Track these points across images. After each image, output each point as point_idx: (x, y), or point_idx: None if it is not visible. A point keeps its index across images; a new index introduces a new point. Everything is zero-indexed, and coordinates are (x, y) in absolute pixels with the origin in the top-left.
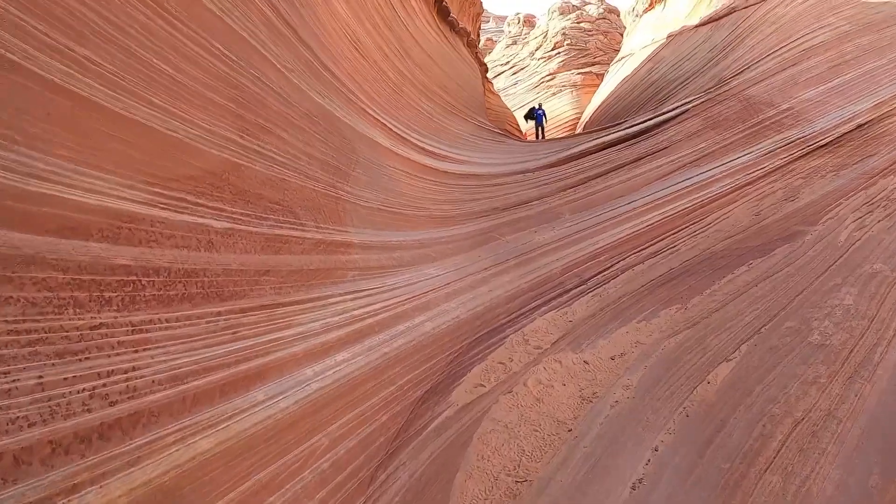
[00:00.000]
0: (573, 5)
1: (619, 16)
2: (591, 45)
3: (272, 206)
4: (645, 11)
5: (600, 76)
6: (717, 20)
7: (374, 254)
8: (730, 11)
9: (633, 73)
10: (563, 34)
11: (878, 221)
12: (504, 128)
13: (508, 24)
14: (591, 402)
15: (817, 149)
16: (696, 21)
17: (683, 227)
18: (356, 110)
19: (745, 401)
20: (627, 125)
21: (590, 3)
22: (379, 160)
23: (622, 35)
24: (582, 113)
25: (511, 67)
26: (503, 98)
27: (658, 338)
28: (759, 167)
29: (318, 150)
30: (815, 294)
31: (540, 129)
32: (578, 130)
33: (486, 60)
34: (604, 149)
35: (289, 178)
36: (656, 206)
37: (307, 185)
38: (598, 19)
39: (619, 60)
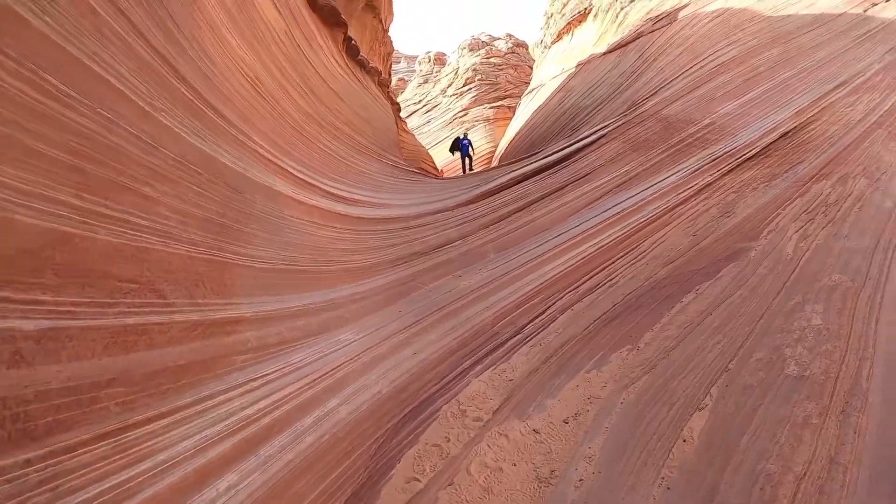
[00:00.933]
0: (482, 41)
1: (527, 49)
2: (502, 79)
3: (124, 285)
4: (553, 43)
5: (512, 109)
6: (624, 46)
7: (272, 327)
8: (636, 36)
9: (546, 104)
10: (474, 70)
11: (822, 228)
12: (420, 166)
13: (419, 63)
14: (550, 483)
15: (745, 161)
16: (603, 49)
17: (619, 256)
18: (250, 154)
19: (732, 459)
20: (545, 154)
21: (498, 39)
22: (279, 211)
23: (531, 68)
24: (497, 146)
25: (424, 105)
26: (417, 136)
27: (614, 389)
28: (689, 185)
29: (196, 206)
30: (777, 317)
31: (467, 159)
32: (494, 164)
33: (398, 100)
34: (523, 180)
35: (152, 246)
36: (587, 237)
37: (179, 251)
38: (507, 53)
39: (529, 92)
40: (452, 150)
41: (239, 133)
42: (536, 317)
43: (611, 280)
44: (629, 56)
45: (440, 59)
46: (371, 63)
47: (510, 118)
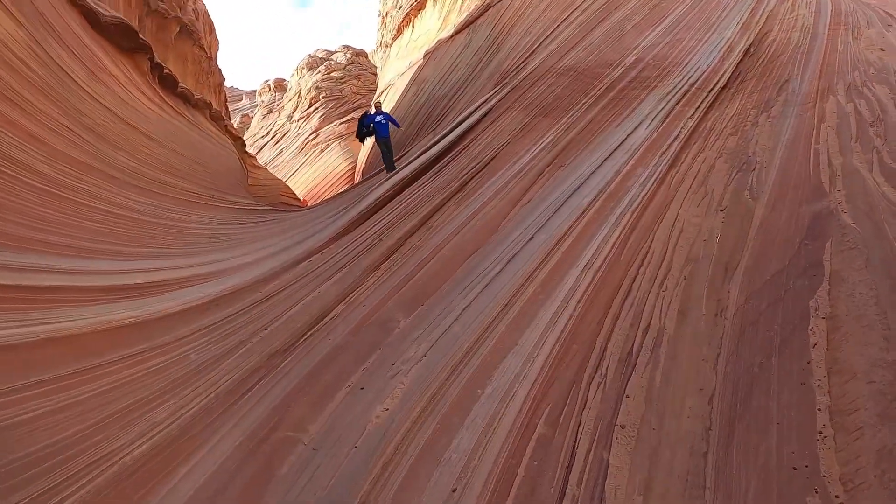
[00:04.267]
0: (319, 58)
1: (367, 57)
2: (347, 91)
3: None
4: (394, 40)
5: None
6: (473, 21)
7: None
8: (485, 9)
9: (399, 103)
10: (317, 88)
11: None
12: (278, 202)
13: (260, 95)
14: None
15: (720, 92)
16: (450, 32)
17: (636, 287)
18: None
19: None
20: (420, 150)
21: (336, 52)
22: None
23: (375, 74)
24: (356, 161)
25: (272, 137)
26: (271, 170)
27: None
28: (669, 138)
29: None
30: None
31: (384, 145)
32: (357, 180)
33: (245, 136)
34: (404, 188)
35: None
36: (566, 260)
37: None
38: (348, 65)
39: (379, 96)
40: (362, 135)
41: None
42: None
43: (657, 346)
44: (481, 31)
45: (280, 86)
46: (198, 95)
47: None
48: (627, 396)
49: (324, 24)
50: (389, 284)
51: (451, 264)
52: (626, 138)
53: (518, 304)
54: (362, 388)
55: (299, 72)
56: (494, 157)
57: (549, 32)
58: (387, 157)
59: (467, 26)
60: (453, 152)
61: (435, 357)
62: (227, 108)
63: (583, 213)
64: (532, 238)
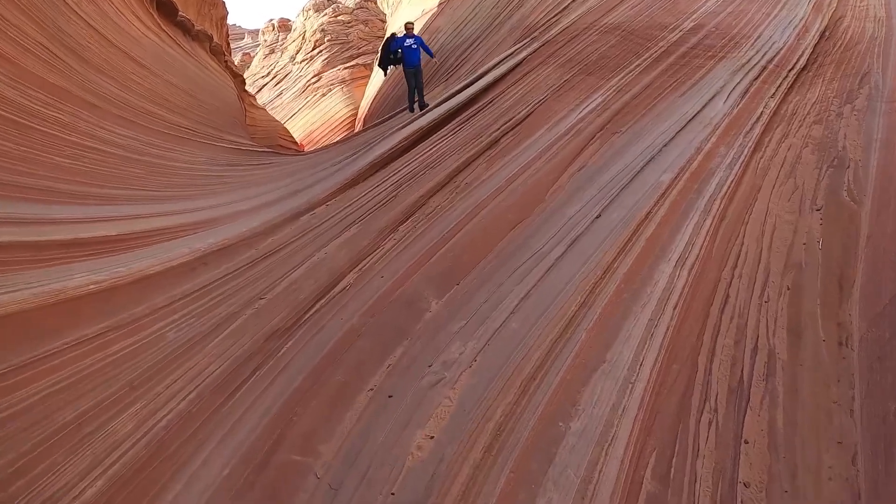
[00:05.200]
0: (327, 0)
1: (376, 3)
2: (353, 36)
3: None
4: None
5: (369, 66)
6: None
7: None
8: None
9: None
10: (322, 31)
11: None
12: (276, 144)
13: (263, 34)
14: None
15: (800, 73)
16: None
17: (734, 272)
18: None
19: None
20: (437, 100)
21: None
22: None
23: (383, 21)
24: (358, 109)
25: (273, 77)
26: (270, 111)
27: None
28: (751, 116)
29: None
30: None
31: (412, 76)
32: (358, 129)
33: (245, 75)
34: (421, 139)
35: None
36: (650, 238)
37: None
38: (355, 9)
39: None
40: (386, 63)
41: None
42: None
43: (770, 374)
44: None
45: (285, 26)
46: (198, 26)
47: (367, 77)
48: (746, 442)
49: None
50: (413, 251)
51: (491, 235)
52: (701, 109)
53: (598, 304)
54: (390, 397)
55: (305, 13)
56: (530, 114)
57: None
58: (414, 92)
59: None
60: (478, 105)
61: (490, 364)
62: (228, 44)
63: (664, 192)
64: (600, 216)
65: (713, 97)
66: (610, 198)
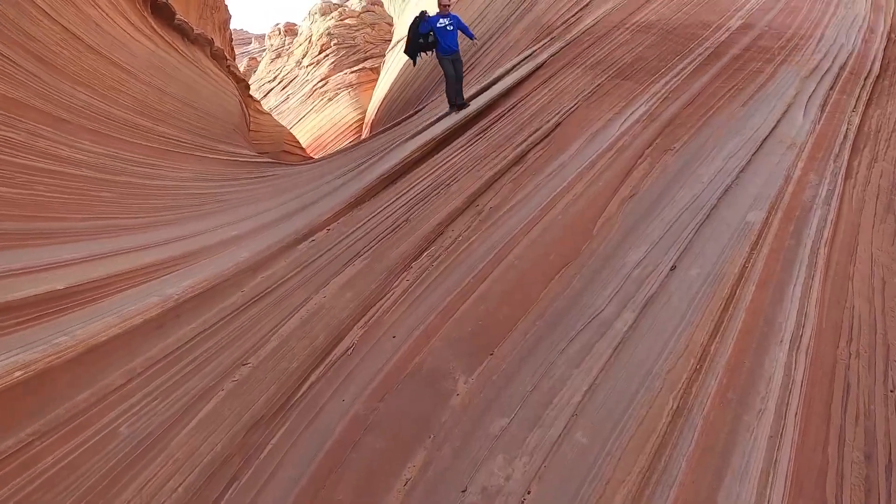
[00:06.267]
0: (334, 3)
1: (383, 6)
2: (360, 39)
3: None
4: None
5: (376, 70)
6: None
7: None
8: None
9: None
10: (329, 34)
11: None
12: (281, 150)
13: (269, 38)
14: None
15: (874, 83)
16: None
17: (850, 349)
18: None
19: None
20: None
21: None
22: None
23: (390, 24)
24: (365, 113)
25: (279, 82)
26: (276, 116)
27: None
28: (840, 134)
29: None
30: None
31: (449, 64)
32: (365, 134)
33: (251, 80)
34: (434, 150)
35: None
36: (750, 307)
37: None
38: (363, 13)
39: (394, 47)
40: (415, 49)
41: None
42: None
43: None
44: None
45: (291, 30)
46: (198, 30)
47: (375, 80)
48: None
49: None
50: (431, 301)
51: (529, 283)
52: (776, 125)
53: (696, 412)
54: None
55: (312, 16)
56: (560, 124)
57: None
58: (453, 84)
59: None
60: (497, 111)
61: (551, 500)
62: (231, 48)
63: (757, 240)
64: (675, 269)
65: (787, 109)
66: (683, 242)
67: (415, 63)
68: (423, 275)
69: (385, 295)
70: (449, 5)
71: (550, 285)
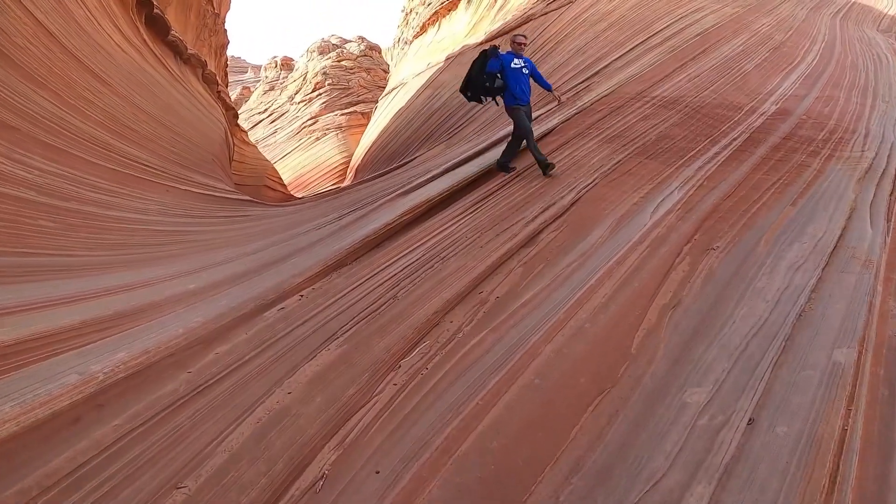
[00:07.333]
0: (333, 44)
1: (380, 53)
2: (354, 83)
3: None
4: (415, 37)
5: (367, 115)
6: (507, 33)
7: None
8: (525, 20)
9: (409, 104)
10: (324, 74)
11: None
12: (262, 184)
13: (265, 69)
14: None
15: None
16: (480, 38)
17: None
18: None
19: None
20: (444, 164)
21: (350, 42)
22: None
23: (386, 72)
24: (351, 157)
25: (269, 115)
26: (262, 149)
27: None
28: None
29: None
30: None
31: (517, 115)
32: (349, 179)
33: (242, 110)
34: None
35: None
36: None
37: None
38: (360, 56)
39: (388, 93)
40: (478, 90)
41: None
42: None
43: None
44: None
45: (288, 64)
46: (192, 50)
47: (364, 125)
48: None
49: (346, 12)
50: (427, 422)
51: (557, 415)
52: (841, 234)
53: None
54: None
55: (309, 54)
56: (577, 201)
57: (618, 54)
58: (525, 140)
59: (501, 35)
60: (502, 177)
61: None
62: (225, 74)
63: (852, 392)
64: (752, 423)
65: (850, 216)
66: (758, 384)
67: (480, 100)
68: (415, 380)
69: (366, 404)
70: (525, 45)
71: (583, 422)
